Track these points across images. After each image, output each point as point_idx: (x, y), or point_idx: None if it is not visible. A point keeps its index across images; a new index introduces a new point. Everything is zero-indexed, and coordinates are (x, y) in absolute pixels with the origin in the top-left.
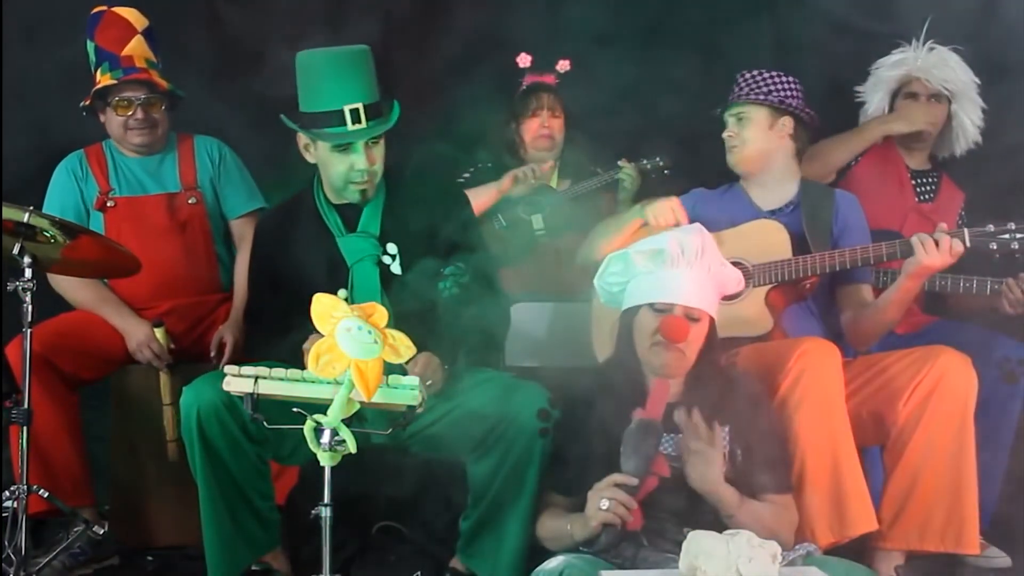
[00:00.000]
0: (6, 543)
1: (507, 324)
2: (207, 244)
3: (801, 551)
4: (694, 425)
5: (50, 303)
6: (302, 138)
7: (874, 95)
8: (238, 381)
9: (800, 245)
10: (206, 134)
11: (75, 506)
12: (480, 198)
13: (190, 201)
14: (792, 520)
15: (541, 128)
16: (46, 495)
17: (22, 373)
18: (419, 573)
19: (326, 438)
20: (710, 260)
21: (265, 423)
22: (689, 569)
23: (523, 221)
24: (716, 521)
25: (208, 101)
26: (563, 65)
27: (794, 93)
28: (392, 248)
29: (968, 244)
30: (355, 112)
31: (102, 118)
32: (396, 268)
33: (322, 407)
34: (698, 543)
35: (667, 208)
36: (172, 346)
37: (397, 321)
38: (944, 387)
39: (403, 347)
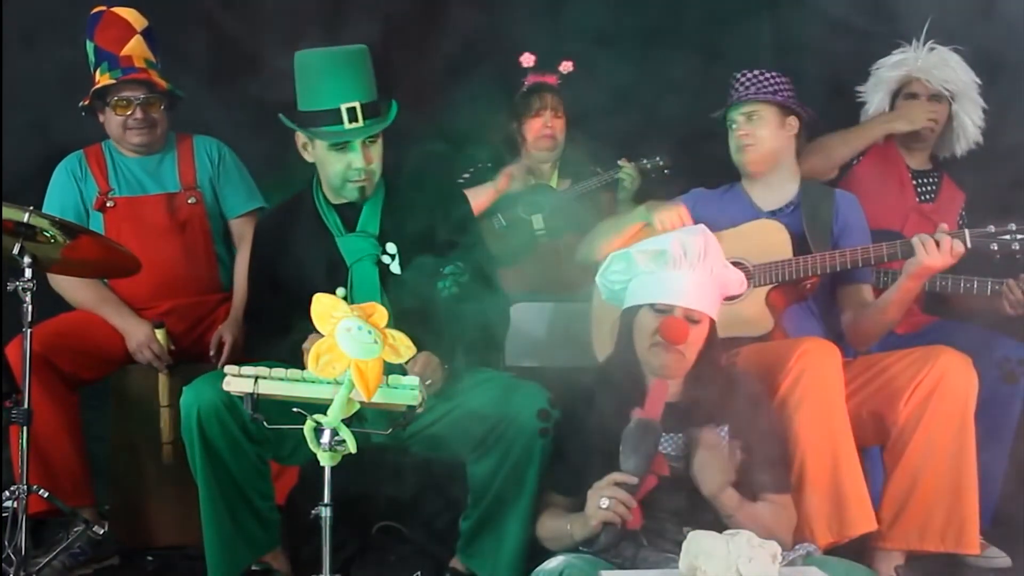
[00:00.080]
0: (6, 543)
1: (507, 324)
2: (207, 244)
3: (801, 551)
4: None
5: (50, 303)
6: (300, 137)
7: (875, 95)
8: (238, 381)
9: (800, 245)
10: (205, 134)
11: (75, 506)
12: (478, 198)
13: (190, 201)
14: (791, 520)
15: (544, 128)
16: (46, 495)
17: (22, 373)
18: (419, 573)
19: (326, 438)
20: (712, 261)
21: (265, 423)
22: (689, 569)
23: (523, 221)
24: (716, 521)
25: (207, 101)
26: (566, 66)
27: (793, 93)
28: (391, 248)
29: (969, 245)
30: (351, 111)
31: (101, 118)
32: (395, 268)
33: (322, 407)
34: (698, 543)
35: (675, 216)
36: (172, 347)
37: (397, 321)
38: (944, 387)
39: (403, 347)
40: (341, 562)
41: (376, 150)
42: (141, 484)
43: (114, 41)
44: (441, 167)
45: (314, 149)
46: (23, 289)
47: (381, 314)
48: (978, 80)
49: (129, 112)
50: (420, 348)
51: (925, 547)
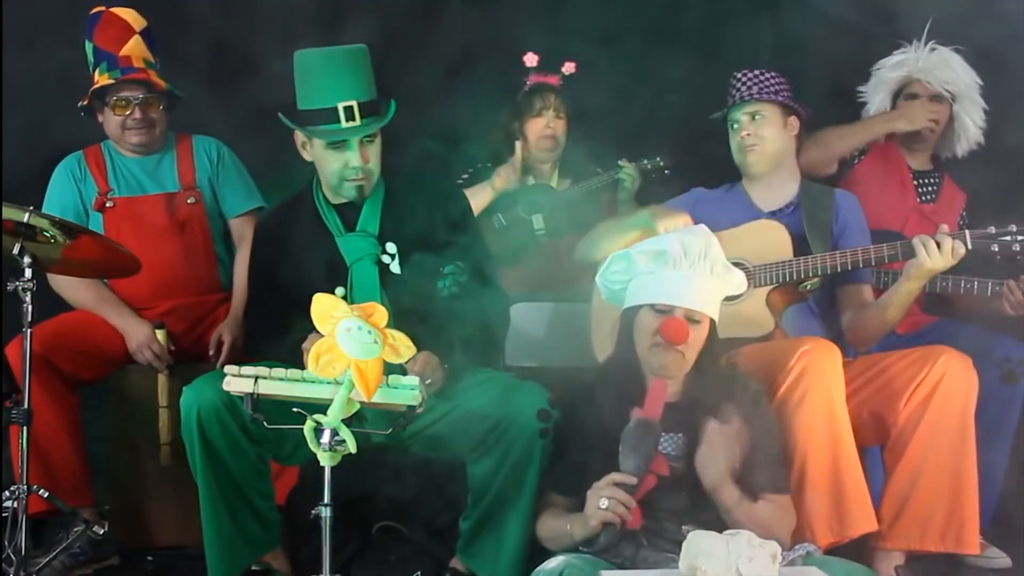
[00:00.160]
0: (6, 543)
1: (507, 323)
2: (206, 244)
3: (801, 551)
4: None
5: (50, 303)
6: (299, 136)
7: (876, 96)
8: (238, 381)
9: (801, 246)
10: (205, 134)
11: (75, 506)
12: (477, 198)
13: (189, 201)
14: (790, 520)
15: (545, 128)
16: (46, 495)
17: (22, 373)
18: (419, 573)
19: (326, 438)
20: (713, 262)
21: (265, 423)
22: (689, 569)
23: (523, 221)
24: (716, 521)
25: (206, 101)
26: (568, 67)
27: (790, 93)
28: (391, 247)
29: (969, 246)
30: (349, 109)
31: (100, 118)
32: (395, 267)
33: (322, 407)
34: (698, 543)
35: (679, 225)
36: (172, 347)
37: (396, 320)
38: (944, 387)
39: (403, 347)
40: (341, 562)
41: (374, 149)
42: (141, 484)
43: (113, 41)
44: (441, 167)
45: (312, 148)
46: (23, 289)
47: (381, 314)
48: (979, 80)
49: (128, 112)
50: (420, 348)
51: (925, 547)
